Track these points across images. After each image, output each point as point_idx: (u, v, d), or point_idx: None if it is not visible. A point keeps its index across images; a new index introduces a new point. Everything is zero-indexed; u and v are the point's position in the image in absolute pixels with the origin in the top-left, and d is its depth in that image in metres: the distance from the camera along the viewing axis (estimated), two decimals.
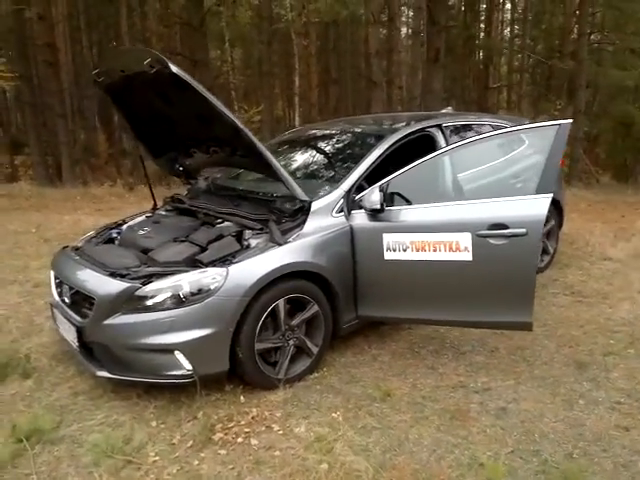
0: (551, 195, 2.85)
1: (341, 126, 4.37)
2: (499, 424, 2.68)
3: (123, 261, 3.14)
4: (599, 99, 21.18)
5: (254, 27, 19.09)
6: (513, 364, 3.28)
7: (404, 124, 3.95)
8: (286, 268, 3.03)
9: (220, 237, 3.20)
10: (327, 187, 3.48)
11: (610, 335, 3.61)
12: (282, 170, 3.08)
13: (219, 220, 3.48)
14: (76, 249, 3.57)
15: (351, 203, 3.37)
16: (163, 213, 4.05)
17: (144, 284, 2.86)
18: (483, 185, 3.21)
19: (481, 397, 2.93)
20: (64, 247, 3.68)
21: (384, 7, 13.91)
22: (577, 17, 16.16)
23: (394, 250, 3.19)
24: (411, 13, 24.16)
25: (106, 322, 2.87)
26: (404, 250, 3.16)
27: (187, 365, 2.83)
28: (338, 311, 3.32)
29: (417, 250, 3.13)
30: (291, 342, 3.15)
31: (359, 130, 4.16)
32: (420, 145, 3.84)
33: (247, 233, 3.20)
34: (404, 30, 27.08)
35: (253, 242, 3.14)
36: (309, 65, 20.69)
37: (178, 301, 2.81)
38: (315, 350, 3.26)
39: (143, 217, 4.04)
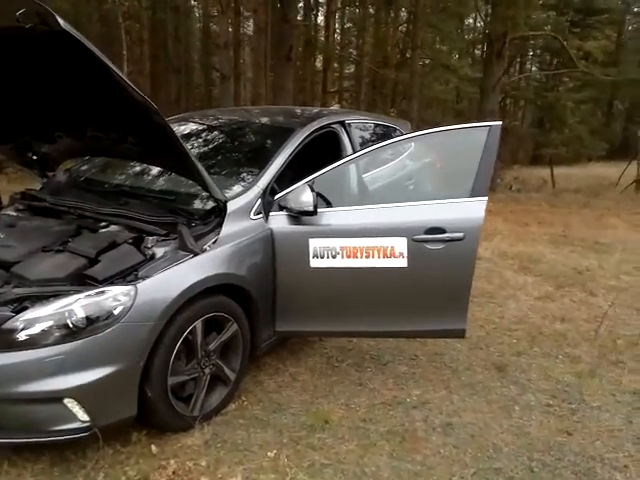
0: (486, 198, 2.78)
1: (240, 117, 3.86)
2: (450, 442, 2.52)
3: None
4: (416, 108, 23.39)
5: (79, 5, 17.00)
6: (438, 372, 3.18)
7: (309, 118, 3.61)
8: (207, 282, 2.50)
9: (113, 245, 2.54)
10: (238, 185, 3.00)
11: (510, 334, 3.73)
12: (198, 162, 2.52)
13: (103, 223, 2.78)
14: None
15: (267, 204, 2.94)
16: (13, 214, 3.15)
17: (17, 311, 2.12)
18: (413, 187, 3.05)
19: (422, 413, 2.74)
20: None
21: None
22: (406, 33, 17.47)
23: (322, 257, 2.84)
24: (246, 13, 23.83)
25: None
26: (333, 257, 2.84)
27: (82, 416, 2.15)
28: (257, 329, 2.88)
29: (348, 256, 2.83)
30: (207, 370, 2.62)
31: (263, 122, 3.71)
32: (323, 142, 3.56)
33: (149, 240, 2.58)
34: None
35: (158, 251, 2.53)
36: (141, 52, 19.22)
37: (68, 333, 2.12)
38: (232, 377, 2.77)
39: None
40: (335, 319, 2.97)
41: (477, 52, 29.57)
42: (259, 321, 2.86)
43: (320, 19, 22.97)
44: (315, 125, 3.44)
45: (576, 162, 25.24)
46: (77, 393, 2.12)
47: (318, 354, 3.37)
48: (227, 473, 2.26)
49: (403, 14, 23.25)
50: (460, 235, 2.74)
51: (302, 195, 2.78)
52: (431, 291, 2.85)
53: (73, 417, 2.15)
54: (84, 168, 3.53)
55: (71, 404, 2.13)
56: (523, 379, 3.12)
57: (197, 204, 2.83)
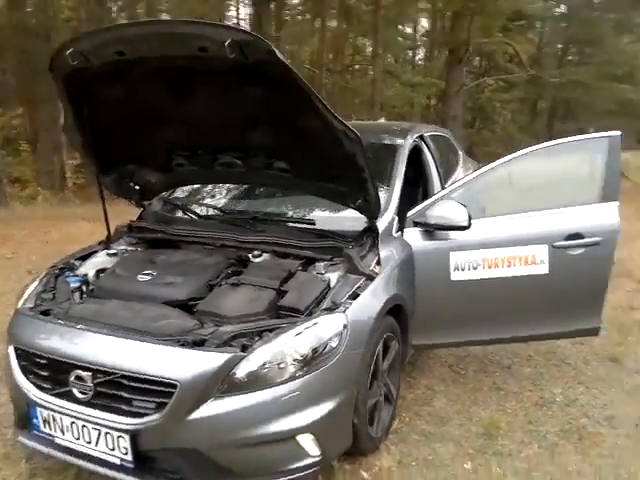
0: (618, 202, 2.96)
1: None
2: (622, 433, 2.68)
3: (171, 322, 2.19)
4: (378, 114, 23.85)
5: None
6: (561, 370, 3.35)
7: (401, 133, 3.63)
8: (389, 304, 2.53)
9: (290, 274, 2.49)
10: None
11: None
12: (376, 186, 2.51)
13: (256, 252, 2.71)
14: (44, 313, 2.38)
15: (400, 221, 2.99)
16: (130, 248, 3.00)
17: (244, 350, 2.04)
18: (543, 195, 3.16)
19: (577, 409, 2.90)
20: (18, 312, 2.43)
21: None
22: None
23: (463, 270, 2.93)
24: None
25: (193, 416, 1.96)
26: (474, 268, 2.93)
27: (314, 450, 2.12)
28: (406, 344, 2.91)
29: (489, 267, 2.93)
30: (381, 391, 2.64)
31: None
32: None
33: (320, 266, 2.55)
34: None
35: (332, 276, 2.51)
36: None
37: (299, 367, 2.07)
38: (395, 394, 2.79)
39: (103, 254, 2.93)
40: (473, 329, 3.05)
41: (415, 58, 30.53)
42: (407, 337, 2.90)
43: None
44: (410, 140, 3.53)
45: None
46: (312, 429, 2.08)
47: (438, 363, 3.44)
48: None
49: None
50: (598, 240, 2.90)
51: (451, 210, 2.84)
52: (570, 294, 2.99)
53: (305, 454, 2.10)
54: (183, 196, 3.42)
55: (304, 440, 2.09)
56: None
57: (342, 226, 2.80)
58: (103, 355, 2.07)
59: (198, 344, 2.06)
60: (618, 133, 3.00)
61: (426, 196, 3.55)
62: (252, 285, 2.42)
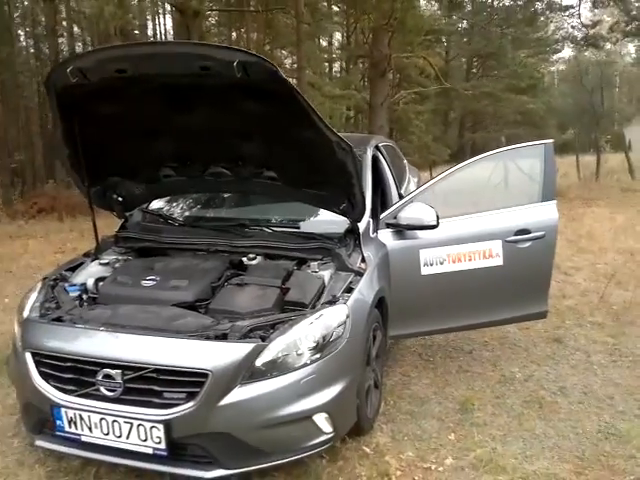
0: (555, 201, 3.44)
1: None
2: (574, 400, 3.12)
3: (189, 320, 2.35)
4: None
5: None
6: (515, 351, 3.79)
7: (362, 145, 3.95)
8: (378, 295, 2.82)
9: (289, 273, 2.72)
10: None
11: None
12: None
13: (251, 255, 2.92)
14: (57, 319, 2.45)
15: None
16: (120, 257, 3.09)
17: (264, 341, 2.25)
18: (494, 197, 3.59)
19: (534, 383, 3.32)
20: (29, 321, 2.48)
21: None
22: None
23: (431, 265, 3.28)
24: None
25: (223, 403, 2.14)
26: (441, 263, 3.29)
27: (328, 428, 2.35)
28: (386, 335, 3.22)
29: (454, 262, 3.30)
30: (372, 375, 2.92)
31: None
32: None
33: (315, 265, 2.80)
34: None
35: (325, 274, 2.77)
36: None
37: (313, 353, 2.31)
38: (380, 380, 3.08)
39: (95, 264, 3.00)
40: (440, 318, 3.41)
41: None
42: (387, 328, 3.21)
43: None
44: (370, 150, 3.87)
45: (424, 167, 28.19)
46: (326, 408, 2.31)
47: (408, 353, 3.77)
48: (438, 457, 2.60)
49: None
50: (542, 234, 3.36)
51: (420, 211, 3.18)
52: (522, 282, 3.42)
53: (320, 431, 2.33)
54: (161, 206, 3.54)
55: (319, 419, 2.31)
56: (582, 346, 3.85)
57: (324, 229, 3.05)
58: (134, 353, 2.20)
59: (221, 338, 2.24)
60: (551, 141, 3.50)
61: (385, 200, 3.92)
62: (257, 284, 2.62)
